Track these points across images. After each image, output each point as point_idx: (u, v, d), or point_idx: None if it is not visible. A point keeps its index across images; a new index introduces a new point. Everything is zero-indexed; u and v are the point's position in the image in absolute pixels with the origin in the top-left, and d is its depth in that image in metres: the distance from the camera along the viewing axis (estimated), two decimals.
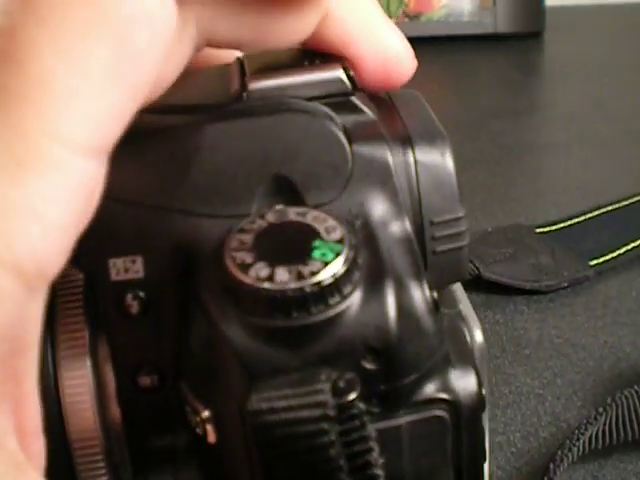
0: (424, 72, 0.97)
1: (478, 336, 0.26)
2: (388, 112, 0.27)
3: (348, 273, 0.22)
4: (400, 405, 0.23)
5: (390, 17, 0.86)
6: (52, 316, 0.25)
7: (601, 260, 0.53)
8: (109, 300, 0.25)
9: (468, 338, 0.26)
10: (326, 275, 0.22)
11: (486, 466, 0.26)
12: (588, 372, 0.45)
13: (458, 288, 0.28)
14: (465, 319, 0.26)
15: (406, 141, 0.26)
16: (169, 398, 0.25)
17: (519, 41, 0.97)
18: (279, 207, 0.24)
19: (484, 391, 0.24)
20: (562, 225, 0.57)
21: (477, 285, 0.51)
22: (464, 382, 0.24)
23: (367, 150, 0.25)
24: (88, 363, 0.25)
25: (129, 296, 0.25)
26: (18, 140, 0.17)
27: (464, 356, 0.25)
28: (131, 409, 0.26)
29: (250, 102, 0.25)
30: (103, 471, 0.26)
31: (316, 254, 0.22)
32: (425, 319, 0.23)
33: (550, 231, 0.56)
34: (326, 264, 0.22)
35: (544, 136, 0.76)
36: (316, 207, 0.24)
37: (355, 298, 0.22)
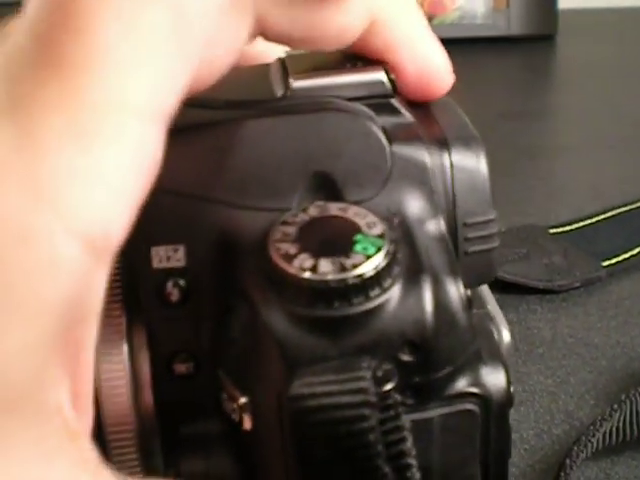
0: None
1: (506, 335, 0.27)
2: (425, 116, 0.28)
3: (388, 267, 0.23)
4: (433, 398, 0.24)
5: None
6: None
7: (613, 261, 0.53)
8: (150, 287, 0.25)
9: (497, 337, 0.26)
10: (368, 268, 0.22)
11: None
12: (601, 371, 0.45)
13: (485, 289, 0.29)
14: (494, 319, 0.27)
15: (443, 144, 0.26)
16: (204, 386, 0.26)
17: (532, 43, 0.97)
18: (321, 202, 0.25)
19: (512, 388, 0.25)
20: (575, 226, 0.57)
21: (491, 284, 0.52)
22: (494, 378, 0.25)
23: (406, 151, 0.26)
24: (125, 349, 0.26)
25: (170, 284, 0.25)
26: (81, 108, 0.17)
27: (494, 353, 0.25)
28: (165, 396, 0.26)
29: (293, 100, 0.26)
30: (135, 456, 0.26)
31: (358, 247, 0.23)
32: (459, 315, 0.24)
33: (563, 232, 0.56)
34: (368, 257, 0.23)
35: (557, 138, 0.76)
36: (356, 204, 0.25)
37: (394, 291, 0.23)
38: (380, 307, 0.22)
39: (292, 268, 0.22)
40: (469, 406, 0.24)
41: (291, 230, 0.24)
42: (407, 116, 0.27)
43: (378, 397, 0.21)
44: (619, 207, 0.59)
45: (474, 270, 0.27)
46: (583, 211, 0.60)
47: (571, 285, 0.52)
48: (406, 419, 0.22)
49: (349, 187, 0.25)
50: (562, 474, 0.36)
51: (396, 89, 0.27)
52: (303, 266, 0.22)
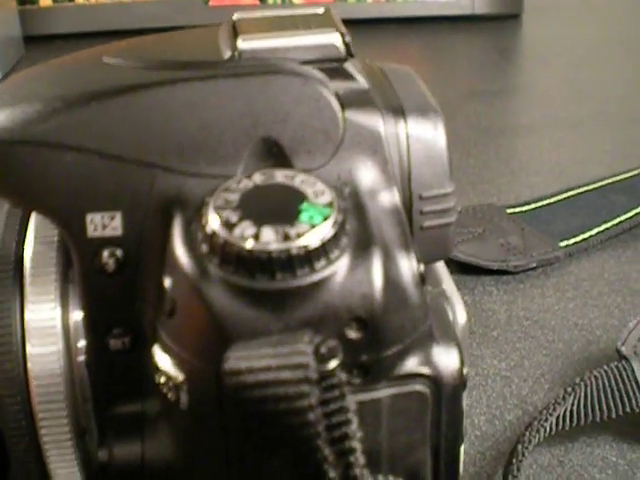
0: (401, 52, 0.96)
1: (461, 315, 0.26)
2: (381, 83, 0.27)
3: (336, 238, 0.22)
4: (381, 378, 0.23)
5: None
6: (22, 263, 0.25)
7: (572, 241, 0.52)
8: (85, 256, 0.24)
9: (451, 316, 0.25)
10: (313, 238, 0.21)
11: (462, 448, 0.26)
12: (557, 354, 0.44)
13: (442, 267, 0.28)
14: (449, 299, 0.26)
15: (399, 112, 0.25)
16: (140, 363, 0.24)
17: (497, 23, 0.96)
18: (267, 169, 0.23)
19: (465, 370, 0.24)
20: (533, 206, 0.56)
21: (445, 265, 0.50)
22: (446, 358, 0.23)
23: (359, 118, 0.25)
24: (58, 313, 0.24)
25: (105, 253, 0.24)
26: None
27: (447, 333, 0.24)
28: (99, 371, 0.25)
29: (240, 62, 0.25)
30: (68, 436, 0.25)
31: (304, 217, 0.22)
32: (411, 290, 0.23)
33: (521, 212, 0.55)
34: (313, 227, 0.21)
35: (519, 118, 0.75)
36: (305, 172, 0.24)
37: (342, 264, 0.22)
38: (326, 280, 0.21)
39: (233, 237, 0.21)
40: (419, 387, 0.23)
41: (233, 197, 0.22)
42: (362, 82, 0.26)
43: (320, 374, 0.20)
44: (577, 187, 0.58)
45: (429, 245, 0.26)
46: (543, 191, 0.58)
47: (527, 266, 0.50)
48: (352, 400, 0.21)
49: (297, 154, 0.24)
50: (514, 460, 0.35)
51: (351, 53, 0.25)
52: (244, 234, 0.21)
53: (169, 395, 0.23)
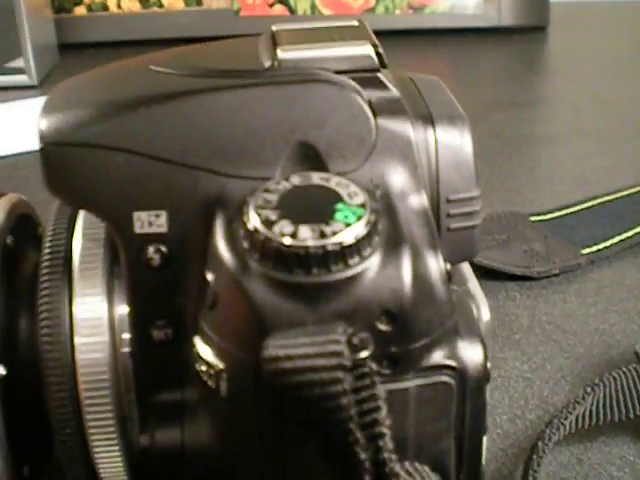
0: (428, 63, 0.97)
1: (485, 313, 0.27)
2: (411, 92, 0.28)
3: (368, 236, 0.23)
4: (409, 369, 0.24)
5: (394, 9, 0.87)
6: (70, 259, 0.27)
7: (594, 249, 0.53)
8: (131, 252, 0.26)
9: (476, 314, 0.27)
10: (347, 236, 0.23)
11: (485, 439, 0.27)
12: (577, 358, 0.45)
13: (467, 267, 0.29)
14: (474, 297, 0.27)
15: (428, 120, 0.27)
16: (181, 353, 0.26)
17: (523, 35, 0.97)
18: (303, 172, 0.25)
19: (489, 364, 0.25)
20: (556, 214, 0.57)
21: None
22: (471, 352, 0.25)
23: (391, 124, 0.26)
24: (104, 306, 0.26)
25: (151, 249, 0.26)
26: None
27: (472, 329, 0.26)
28: (143, 361, 0.27)
29: (280, 71, 0.26)
30: (112, 422, 0.26)
31: (339, 216, 0.23)
32: (438, 287, 0.24)
33: (544, 220, 0.56)
34: (348, 225, 0.23)
35: (544, 128, 0.76)
36: (339, 175, 0.25)
37: (374, 261, 0.23)
38: (359, 275, 0.23)
39: (272, 234, 0.23)
40: (445, 378, 0.24)
41: (272, 197, 0.24)
42: (393, 91, 0.27)
43: (352, 362, 0.22)
44: (600, 196, 0.59)
45: (456, 246, 0.27)
46: (567, 200, 0.59)
47: (549, 272, 0.51)
48: (381, 388, 0.22)
49: (333, 158, 0.26)
50: (534, 457, 0.36)
51: (384, 64, 0.27)
52: (283, 232, 0.23)
53: (209, 383, 0.24)
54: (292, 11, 0.95)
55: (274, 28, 0.28)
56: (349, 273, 0.23)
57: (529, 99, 0.83)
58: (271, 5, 0.95)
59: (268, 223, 0.23)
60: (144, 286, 0.26)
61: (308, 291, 0.22)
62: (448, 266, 0.25)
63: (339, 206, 0.23)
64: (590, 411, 0.37)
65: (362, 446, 0.22)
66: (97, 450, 0.27)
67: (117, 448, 0.27)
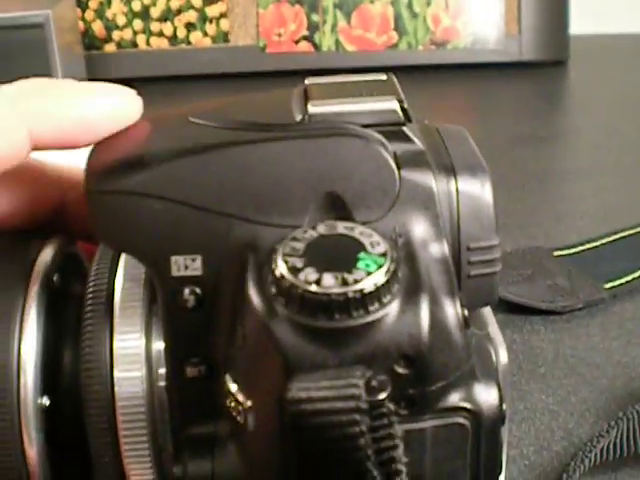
0: (450, 98, 0.98)
1: (503, 357, 0.28)
2: (435, 143, 0.29)
3: (388, 284, 0.24)
4: (426, 410, 0.25)
5: (417, 45, 0.89)
6: (112, 298, 0.28)
7: (616, 283, 0.54)
8: (168, 293, 0.27)
9: (494, 358, 0.27)
10: (368, 284, 0.24)
11: (502, 478, 0.27)
12: (601, 390, 0.46)
13: (488, 312, 0.30)
14: (493, 341, 0.28)
15: (450, 171, 0.28)
16: (214, 388, 0.27)
17: (543, 69, 0.99)
18: (330, 221, 0.26)
19: (505, 406, 0.26)
20: (579, 249, 0.58)
21: (496, 305, 0.53)
22: (487, 395, 0.26)
23: (414, 176, 0.27)
24: (142, 342, 0.28)
25: (187, 291, 0.27)
26: None
27: (488, 372, 0.26)
28: (178, 396, 0.28)
29: (310, 125, 0.28)
30: (147, 452, 0.28)
31: (361, 264, 0.24)
32: (455, 333, 0.25)
33: (567, 254, 0.57)
34: (369, 274, 0.24)
35: (565, 163, 0.77)
36: (364, 224, 0.26)
37: (393, 307, 0.24)
38: (378, 321, 0.24)
39: (298, 281, 0.24)
40: (460, 420, 0.25)
41: (299, 245, 0.25)
42: (417, 143, 0.28)
43: (370, 405, 0.23)
44: (623, 231, 0.60)
45: (476, 292, 0.28)
46: (589, 235, 0.61)
47: (574, 306, 0.53)
48: (399, 428, 0.23)
49: (358, 208, 0.27)
50: None
51: (409, 117, 0.28)
52: (308, 279, 0.24)
53: (238, 418, 0.26)
54: (317, 48, 0.97)
55: (307, 82, 0.30)
56: (369, 319, 0.24)
57: (550, 134, 0.84)
58: (296, 42, 0.97)
59: (294, 270, 0.24)
60: (179, 325, 0.27)
61: (330, 335, 0.24)
62: (466, 312, 0.26)
63: (361, 255, 0.24)
64: (614, 444, 0.39)
65: None
66: (133, 479, 0.28)
67: (152, 477, 0.28)
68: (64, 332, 0.29)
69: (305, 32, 0.97)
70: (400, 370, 0.24)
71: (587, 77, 0.98)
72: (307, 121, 0.28)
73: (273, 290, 0.24)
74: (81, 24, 0.98)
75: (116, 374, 0.28)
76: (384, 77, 0.30)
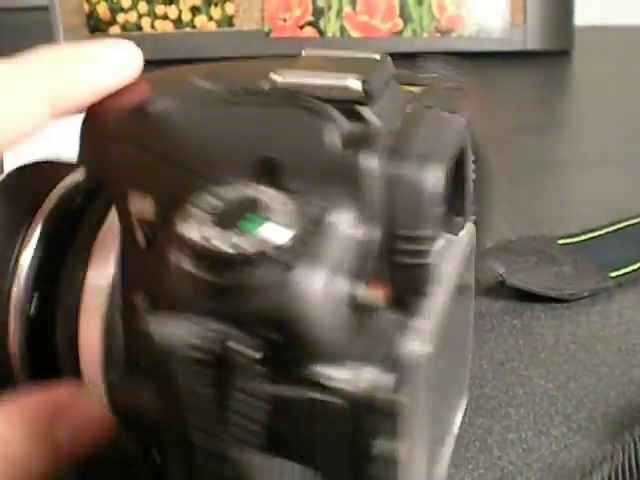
0: None
1: (415, 347, 0.27)
2: (405, 128, 0.29)
3: (282, 251, 0.24)
4: (292, 380, 0.25)
5: (422, 32, 0.89)
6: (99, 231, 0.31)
7: (621, 272, 0.54)
8: (125, 227, 0.29)
9: (400, 346, 0.26)
10: (263, 246, 0.24)
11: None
12: (600, 377, 0.46)
13: (438, 304, 0.29)
14: (413, 331, 0.27)
15: (400, 157, 0.27)
16: None
17: (548, 59, 0.99)
18: (251, 184, 0.27)
19: (400, 398, 0.25)
20: (584, 237, 0.58)
21: (497, 291, 0.53)
22: (367, 378, 0.25)
23: (354, 156, 0.27)
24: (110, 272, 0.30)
25: (139, 228, 0.29)
26: None
27: (382, 359, 0.26)
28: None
29: (271, 93, 0.29)
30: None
31: (257, 228, 0.25)
32: (341, 312, 0.25)
33: (572, 243, 0.58)
34: (260, 238, 0.24)
35: (569, 152, 0.77)
36: (290, 193, 0.26)
37: (282, 274, 0.24)
38: (263, 284, 0.24)
39: (193, 233, 0.25)
40: (332, 398, 0.25)
41: (213, 201, 0.26)
42: (372, 124, 0.28)
43: (223, 360, 0.24)
44: (627, 220, 0.60)
45: (406, 281, 0.28)
46: (592, 223, 0.61)
47: (580, 294, 0.53)
48: (266, 392, 0.24)
49: (290, 177, 0.27)
50: None
51: (372, 97, 0.28)
52: (205, 234, 0.25)
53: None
54: (322, 33, 0.97)
55: (303, 52, 0.30)
56: (254, 281, 0.24)
57: (554, 123, 0.84)
58: (301, 27, 0.97)
59: (197, 222, 0.25)
60: (129, 257, 0.30)
61: (208, 288, 0.24)
62: (381, 296, 0.26)
63: (261, 218, 0.25)
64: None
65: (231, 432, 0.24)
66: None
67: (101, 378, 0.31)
68: (61, 249, 0.32)
69: (310, 17, 0.97)
70: (272, 336, 0.24)
71: (591, 68, 0.99)
72: (270, 89, 0.29)
73: (178, 240, 0.25)
74: (86, 6, 0.98)
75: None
76: (377, 56, 0.30)
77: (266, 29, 0.98)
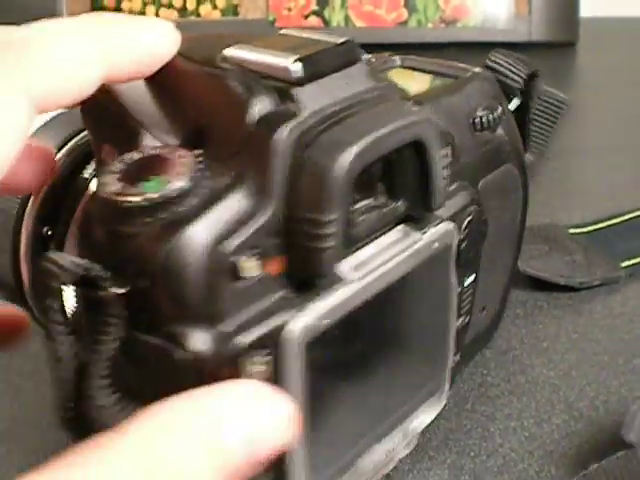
0: None
1: (295, 326, 0.28)
2: (329, 112, 0.29)
3: (174, 210, 0.26)
4: (152, 332, 0.27)
5: (427, 22, 0.88)
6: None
7: (632, 262, 0.55)
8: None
9: (276, 321, 0.28)
10: (142, 199, 0.26)
11: None
12: (602, 366, 0.46)
13: (343, 293, 0.29)
14: (297, 309, 0.28)
15: (311, 139, 0.28)
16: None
17: (552, 50, 0.98)
18: (167, 145, 0.29)
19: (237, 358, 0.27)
20: (594, 227, 0.58)
21: (511, 279, 0.53)
22: (202, 342, 0.26)
23: (268, 135, 0.28)
24: None
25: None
26: None
27: (251, 329, 0.27)
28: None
29: (218, 64, 0.30)
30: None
31: (149, 184, 0.27)
32: (220, 278, 0.26)
33: (583, 232, 0.58)
34: (152, 193, 0.26)
35: (573, 142, 0.77)
36: (201, 157, 0.28)
37: (156, 229, 0.26)
38: (138, 236, 0.26)
39: (102, 184, 0.27)
40: (175, 353, 0.26)
41: (127, 158, 0.28)
42: (296, 105, 0.29)
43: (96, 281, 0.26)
44: (636, 210, 0.60)
45: (298, 262, 0.28)
46: (600, 213, 0.61)
47: (591, 283, 0.53)
48: (116, 332, 0.26)
49: (211, 145, 0.29)
50: None
51: (308, 80, 0.29)
52: (105, 181, 0.27)
53: None
54: (326, 23, 0.97)
55: (281, 31, 0.32)
56: (132, 230, 0.26)
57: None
58: (306, 17, 0.97)
59: (108, 175, 0.27)
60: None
61: (103, 233, 0.27)
62: (270, 271, 0.27)
63: (159, 177, 0.27)
64: None
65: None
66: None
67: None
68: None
69: (315, 7, 0.97)
70: (143, 282, 0.26)
71: (596, 59, 0.98)
72: (219, 61, 0.30)
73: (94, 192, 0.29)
74: None
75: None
76: (342, 39, 0.31)
77: (271, 18, 0.97)
